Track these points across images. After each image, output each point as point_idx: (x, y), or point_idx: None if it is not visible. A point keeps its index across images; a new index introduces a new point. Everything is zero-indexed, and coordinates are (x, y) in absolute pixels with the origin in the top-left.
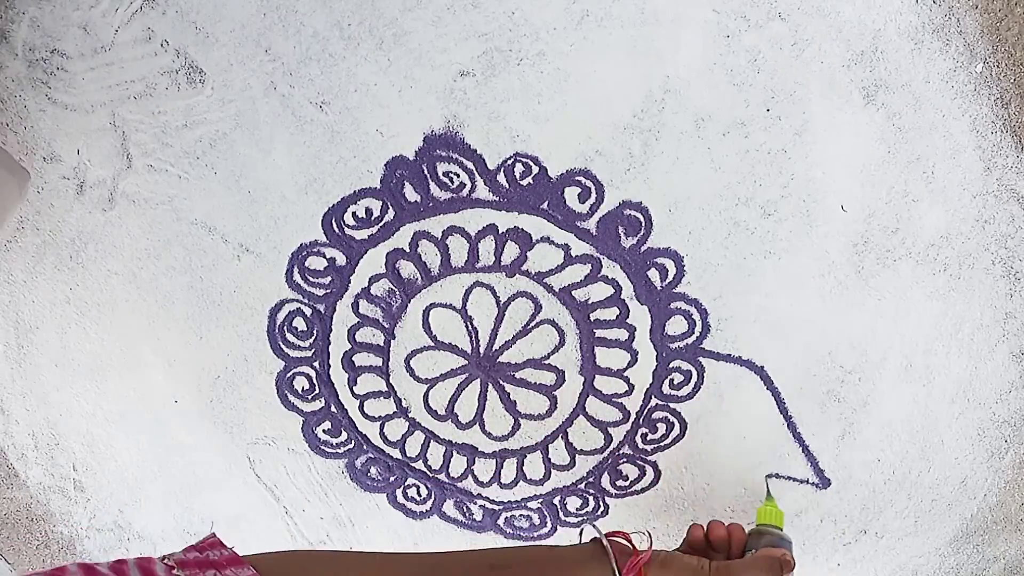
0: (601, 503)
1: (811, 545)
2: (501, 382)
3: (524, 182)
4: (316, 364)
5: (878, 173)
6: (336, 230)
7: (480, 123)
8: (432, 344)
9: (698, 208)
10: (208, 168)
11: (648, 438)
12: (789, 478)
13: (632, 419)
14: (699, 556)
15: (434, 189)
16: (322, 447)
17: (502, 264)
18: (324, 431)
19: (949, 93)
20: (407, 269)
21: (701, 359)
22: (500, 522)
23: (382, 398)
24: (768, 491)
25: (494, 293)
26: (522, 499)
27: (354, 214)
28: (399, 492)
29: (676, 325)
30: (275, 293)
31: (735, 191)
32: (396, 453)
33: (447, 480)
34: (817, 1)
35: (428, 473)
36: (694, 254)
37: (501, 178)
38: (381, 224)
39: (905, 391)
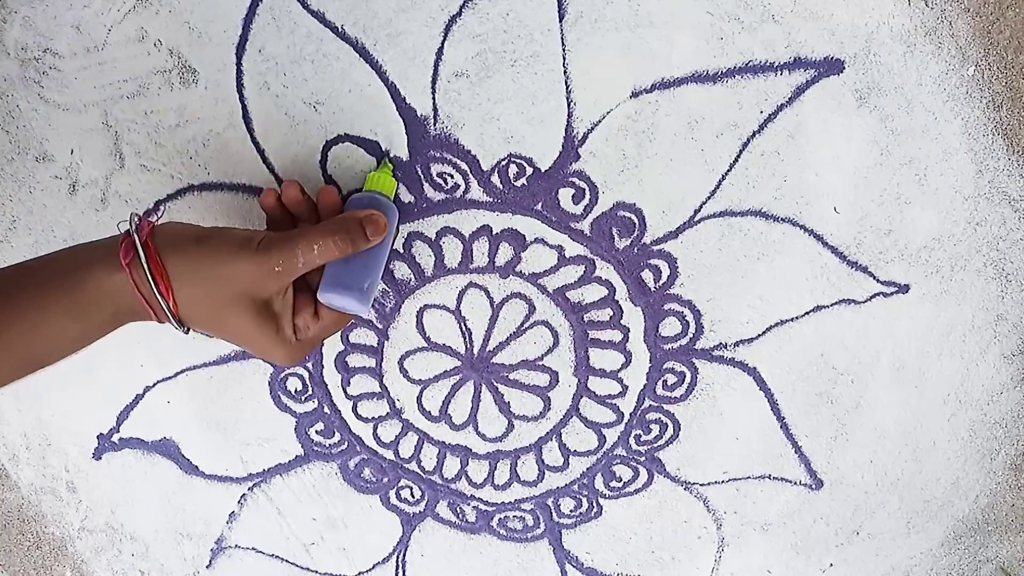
0: (595, 504)
1: (804, 546)
2: (495, 383)
3: (518, 183)
4: (309, 365)
5: (871, 175)
6: None
7: (474, 124)
8: (426, 345)
9: (692, 210)
10: (201, 168)
11: (642, 439)
12: (782, 479)
13: (626, 420)
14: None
15: (428, 190)
16: (315, 448)
17: (496, 265)
18: (317, 432)
19: (941, 96)
20: (401, 270)
21: (695, 360)
22: (494, 523)
23: (375, 399)
24: (388, 160)
25: (488, 294)
26: (515, 500)
27: None
28: (392, 493)
29: (670, 326)
30: None
31: (728, 193)
32: (389, 454)
33: (440, 482)
34: (810, 4)
35: (421, 474)
36: (687, 256)
37: (495, 179)
38: None
39: (897, 393)
